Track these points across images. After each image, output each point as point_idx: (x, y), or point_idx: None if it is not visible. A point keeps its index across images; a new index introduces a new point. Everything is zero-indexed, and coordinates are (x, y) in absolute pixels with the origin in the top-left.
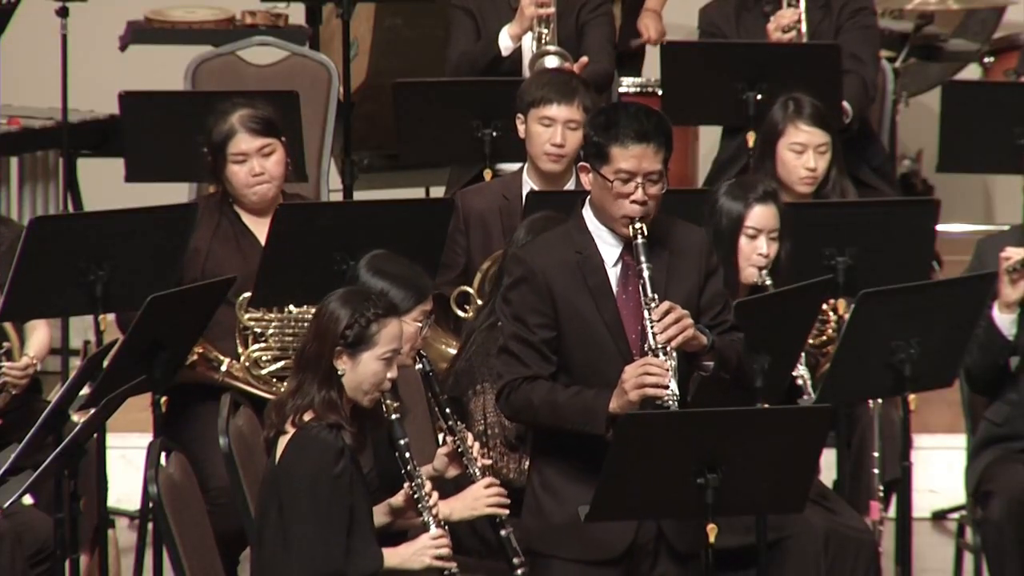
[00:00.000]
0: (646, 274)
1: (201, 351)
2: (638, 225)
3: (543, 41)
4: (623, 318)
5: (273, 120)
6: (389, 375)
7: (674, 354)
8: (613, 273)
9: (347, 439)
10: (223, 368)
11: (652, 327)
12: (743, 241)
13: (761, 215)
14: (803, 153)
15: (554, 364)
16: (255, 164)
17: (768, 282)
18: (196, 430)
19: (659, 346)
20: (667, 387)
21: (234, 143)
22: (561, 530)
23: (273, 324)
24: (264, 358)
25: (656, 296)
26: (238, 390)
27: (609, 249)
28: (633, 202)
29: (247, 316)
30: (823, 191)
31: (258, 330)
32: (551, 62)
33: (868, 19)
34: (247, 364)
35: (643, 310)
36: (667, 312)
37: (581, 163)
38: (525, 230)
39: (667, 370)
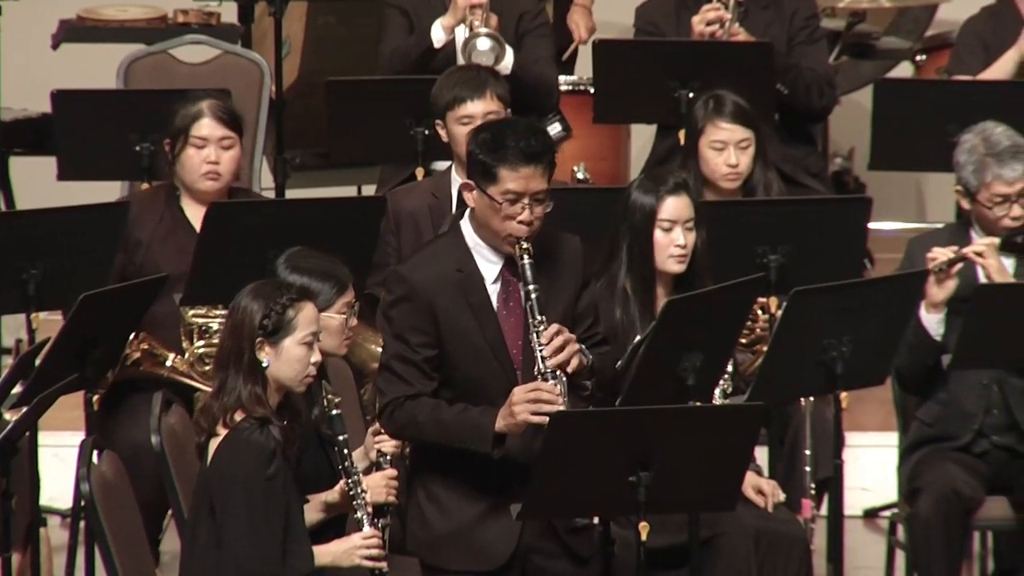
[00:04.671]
0: (533, 296)
1: (146, 347)
2: (525, 245)
3: (474, 28)
4: (504, 334)
5: (239, 116)
6: (313, 358)
7: (563, 378)
8: (493, 290)
9: (276, 434)
10: (168, 364)
11: (541, 351)
12: (658, 234)
13: (674, 206)
14: (723, 150)
15: (436, 381)
16: (212, 152)
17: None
18: (123, 405)
19: (548, 370)
20: (558, 412)
21: (198, 126)
22: (445, 540)
23: (217, 320)
24: (209, 355)
25: (544, 319)
26: (184, 385)
27: (489, 266)
28: (520, 223)
29: (190, 314)
30: (748, 185)
31: (202, 327)
32: (483, 44)
33: (819, 31)
34: (192, 360)
35: (531, 333)
36: (555, 334)
37: (465, 182)
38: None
39: (558, 395)
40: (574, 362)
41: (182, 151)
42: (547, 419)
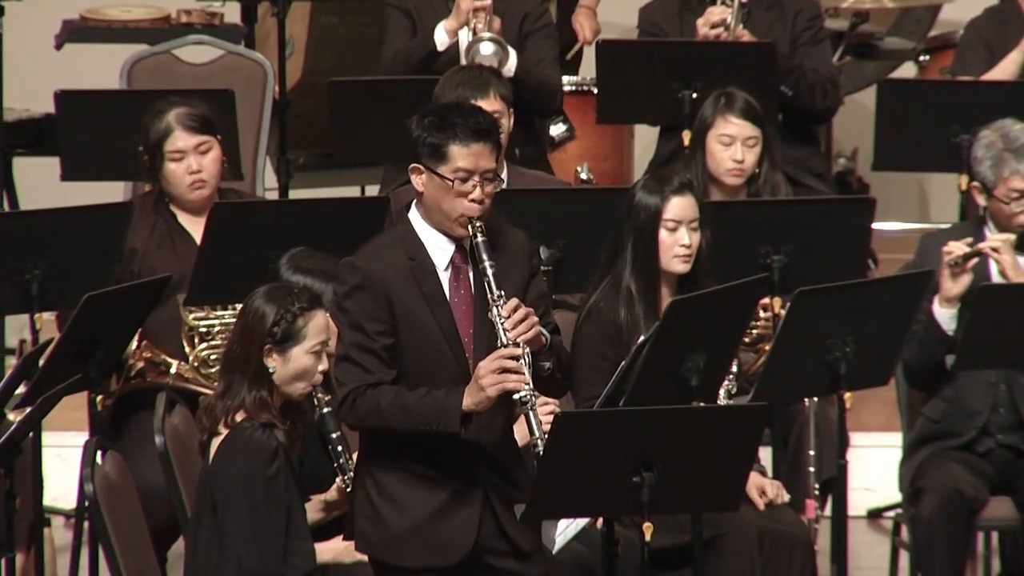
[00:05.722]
0: (490, 272)
1: (148, 356)
2: (478, 224)
3: (477, 32)
4: (457, 322)
5: (209, 117)
6: (320, 367)
7: (527, 349)
8: (444, 277)
9: (280, 437)
10: (172, 371)
11: (503, 323)
12: (663, 234)
13: (679, 206)
14: (731, 145)
15: (395, 370)
16: (192, 161)
17: None
18: (131, 431)
19: (510, 342)
20: (526, 380)
21: (171, 141)
22: (403, 538)
23: (218, 321)
24: (212, 357)
25: (502, 292)
26: (190, 391)
27: (440, 254)
28: (472, 200)
29: (191, 317)
30: (754, 186)
31: (203, 329)
32: (487, 48)
33: (822, 32)
34: (196, 364)
35: (491, 307)
36: (515, 308)
37: (413, 165)
38: None
39: (521, 361)
40: (531, 333)
41: (162, 165)
42: (516, 387)
